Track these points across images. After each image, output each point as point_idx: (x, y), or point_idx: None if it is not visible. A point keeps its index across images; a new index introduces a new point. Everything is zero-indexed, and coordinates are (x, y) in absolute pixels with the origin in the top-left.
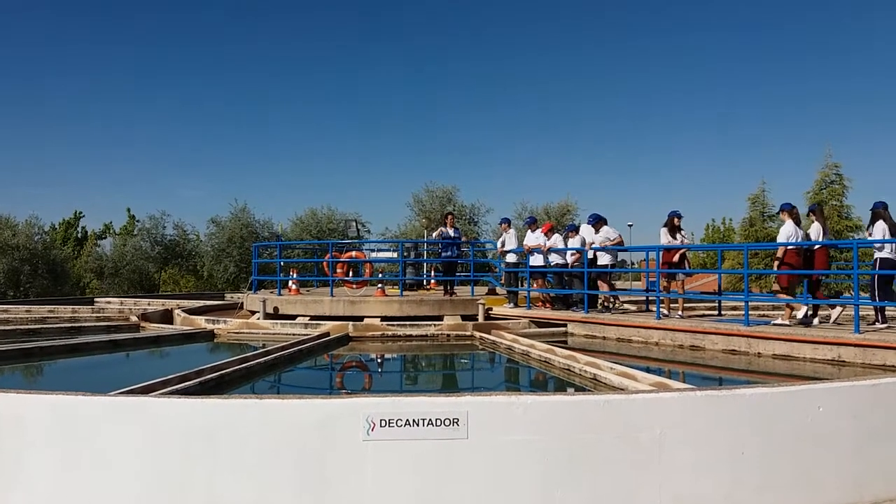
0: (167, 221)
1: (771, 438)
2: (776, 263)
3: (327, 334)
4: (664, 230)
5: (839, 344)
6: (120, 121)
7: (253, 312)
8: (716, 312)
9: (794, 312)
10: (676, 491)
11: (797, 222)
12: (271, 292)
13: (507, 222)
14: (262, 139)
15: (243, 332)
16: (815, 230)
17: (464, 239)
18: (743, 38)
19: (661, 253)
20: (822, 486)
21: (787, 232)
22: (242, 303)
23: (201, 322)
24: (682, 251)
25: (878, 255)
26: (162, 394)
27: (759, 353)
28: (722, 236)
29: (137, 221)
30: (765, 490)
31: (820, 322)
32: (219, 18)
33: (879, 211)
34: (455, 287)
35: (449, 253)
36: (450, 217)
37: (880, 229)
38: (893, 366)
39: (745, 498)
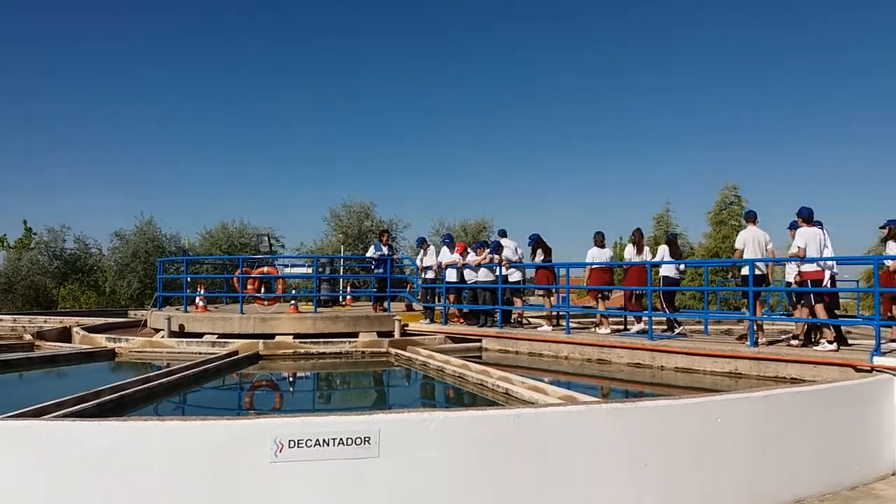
0: (67, 234)
1: (673, 449)
2: (585, 280)
3: (236, 353)
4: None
5: (736, 357)
6: (15, 126)
7: (157, 330)
8: (622, 327)
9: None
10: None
11: (601, 246)
12: (177, 309)
13: (424, 241)
14: (171, 148)
15: (147, 351)
16: (661, 251)
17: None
18: (650, 52)
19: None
20: (722, 495)
21: (591, 255)
22: (146, 320)
23: (102, 340)
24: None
25: (662, 273)
26: (56, 416)
27: (662, 366)
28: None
29: (34, 234)
30: (668, 501)
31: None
32: (127, 17)
33: (669, 238)
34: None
35: (381, 270)
36: (385, 235)
37: (661, 252)
38: (784, 377)
39: None
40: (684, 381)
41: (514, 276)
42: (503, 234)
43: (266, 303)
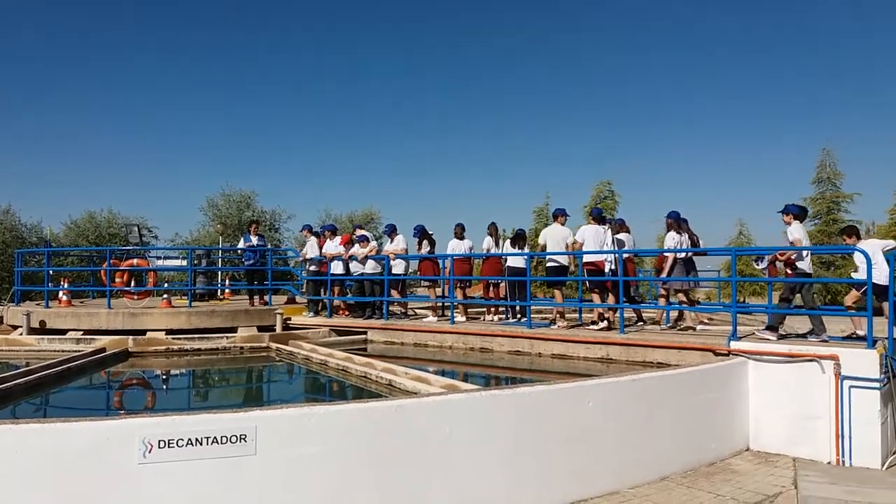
0: None
1: (549, 433)
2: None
3: (103, 350)
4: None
5: (607, 343)
6: None
7: (15, 327)
8: (505, 317)
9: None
10: (462, 491)
11: (460, 238)
12: (38, 304)
13: (308, 229)
14: (32, 131)
15: (2, 350)
16: (506, 244)
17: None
18: (524, 47)
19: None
20: (593, 476)
21: (451, 246)
22: (2, 317)
23: None
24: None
25: (508, 264)
26: None
27: (539, 353)
28: None
29: None
30: (543, 484)
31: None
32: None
33: (517, 233)
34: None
35: (252, 262)
36: (254, 225)
37: (507, 245)
38: (652, 362)
39: (525, 492)
40: (560, 367)
41: (397, 268)
42: (360, 227)
43: (136, 297)
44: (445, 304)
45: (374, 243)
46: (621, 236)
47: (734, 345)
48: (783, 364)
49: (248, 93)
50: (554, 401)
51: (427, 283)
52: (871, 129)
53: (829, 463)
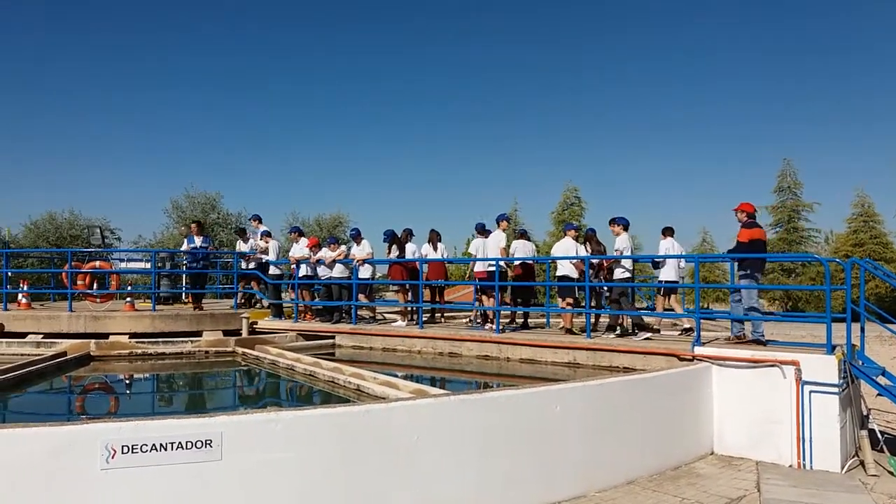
0: None
1: (516, 438)
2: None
3: (65, 354)
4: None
5: (574, 348)
6: None
7: None
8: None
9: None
10: (430, 495)
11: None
12: None
13: (247, 233)
14: None
15: None
16: (426, 249)
17: (215, 248)
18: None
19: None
20: (560, 480)
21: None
22: None
23: None
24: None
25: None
26: None
27: (508, 357)
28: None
29: None
30: (509, 487)
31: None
32: None
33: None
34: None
35: (196, 265)
36: (194, 226)
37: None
38: (618, 366)
39: (492, 496)
40: (528, 371)
41: (365, 272)
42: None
43: (98, 300)
44: (415, 308)
45: (343, 247)
46: (517, 244)
47: (698, 350)
48: (746, 369)
49: (220, 93)
50: (522, 405)
51: (396, 288)
52: (833, 140)
53: (790, 466)
